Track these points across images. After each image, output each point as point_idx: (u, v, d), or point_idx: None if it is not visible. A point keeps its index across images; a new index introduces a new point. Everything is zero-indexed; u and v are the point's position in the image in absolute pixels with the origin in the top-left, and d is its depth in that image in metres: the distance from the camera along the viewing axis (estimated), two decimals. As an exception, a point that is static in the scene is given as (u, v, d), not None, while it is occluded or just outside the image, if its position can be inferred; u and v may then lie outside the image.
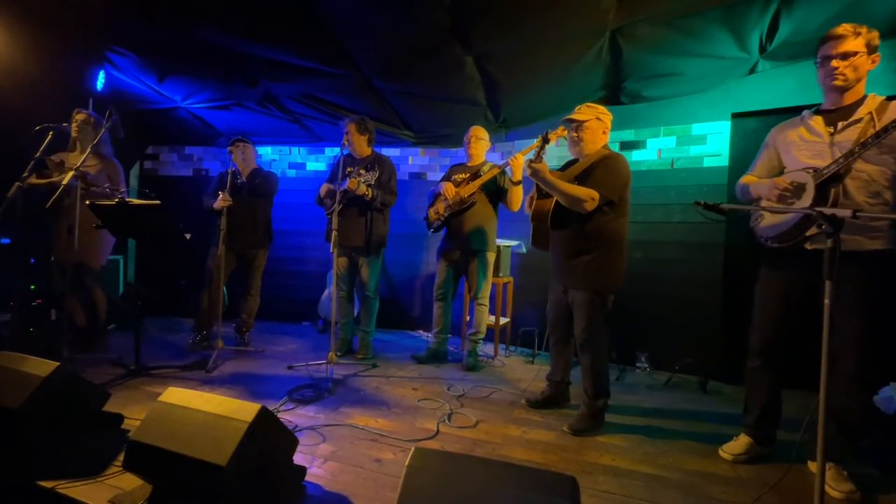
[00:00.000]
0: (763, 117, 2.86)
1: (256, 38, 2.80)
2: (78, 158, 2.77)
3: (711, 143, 3.08)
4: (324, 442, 1.92)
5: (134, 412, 2.02)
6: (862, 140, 1.55)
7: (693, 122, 3.13)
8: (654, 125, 3.28)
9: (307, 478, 1.62)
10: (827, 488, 1.63)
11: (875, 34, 1.63)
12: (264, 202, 3.36)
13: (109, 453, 1.68)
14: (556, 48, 2.73)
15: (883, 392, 2.12)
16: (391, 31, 2.68)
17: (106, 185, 2.81)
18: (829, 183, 1.62)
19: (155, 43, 2.96)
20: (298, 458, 1.66)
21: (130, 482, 1.50)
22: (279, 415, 2.05)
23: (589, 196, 2.02)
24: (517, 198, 2.93)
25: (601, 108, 2.20)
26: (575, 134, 2.20)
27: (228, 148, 3.22)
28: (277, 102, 3.63)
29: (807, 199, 1.65)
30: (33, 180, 2.60)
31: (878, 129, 1.53)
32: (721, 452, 1.93)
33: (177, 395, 1.48)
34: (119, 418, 1.94)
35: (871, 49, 1.63)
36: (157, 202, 2.40)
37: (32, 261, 3.26)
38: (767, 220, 1.80)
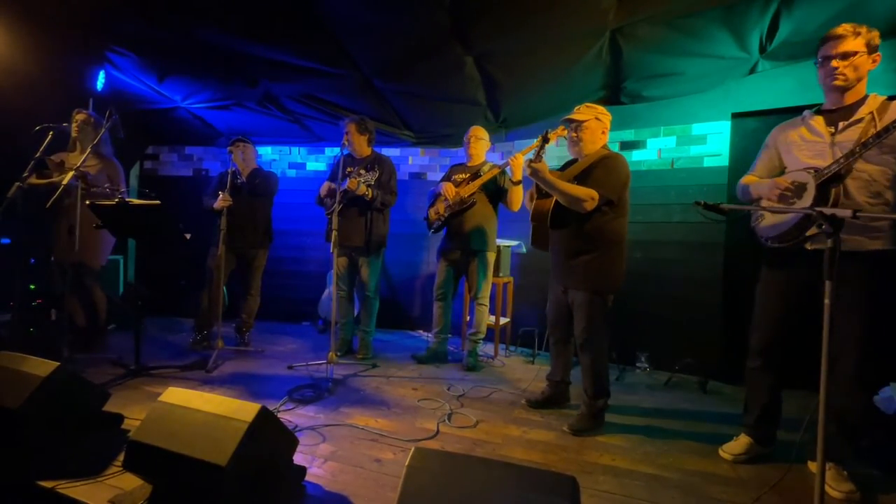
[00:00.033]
0: (763, 117, 2.86)
1: (256, 38, 2.80)
2: (78, 158, 2.77)
3: (711, 143, 3.07)
4: (324, 442, 1.92)
5: (134, 412, 2.02)
6: (863, 140, 1.55)
7: (693, 122, 3.13)
8: (654, 125, 3.28)
9: (307, 478, 1.62)
10: (827, 488, 1.63)
11: (875, 34, 1.63)
12: (264, 202, 3.36)
13: (109, 453, 1.68)
14: (556, 48, 2.72)
15: (883, 392, 2.13)
16: (391, 31, 2.68)
17: (106, 185, 2.81)
18: (829, 183, 1.62)
19: (155, 43, 2.95)
20: (298, 458, 1.66)
21: (130, 482, 1.50)
22: (279, 415, 2.05)
23: (588, 196, 2.03)
24: (517, 198, 2.93)
25: (600, 108, 2.21)
26: (574, 134, 2.20)
27: (228, 148, 3.22)
28: (277, 102, 3.63)
29: (807, 199, 1.65)
30: (33, 180, 2.60)
31: (879, 129, 1.53)
32: (721, 452, 1.93)
33: (177, 395, 1.48)
34: (119, 418, 1.95)
35: (871, 49, 1.63)
36: (157, 202, 2.40)
37: (32, 261, 3.26)
38: (768, 220, 1.80)
